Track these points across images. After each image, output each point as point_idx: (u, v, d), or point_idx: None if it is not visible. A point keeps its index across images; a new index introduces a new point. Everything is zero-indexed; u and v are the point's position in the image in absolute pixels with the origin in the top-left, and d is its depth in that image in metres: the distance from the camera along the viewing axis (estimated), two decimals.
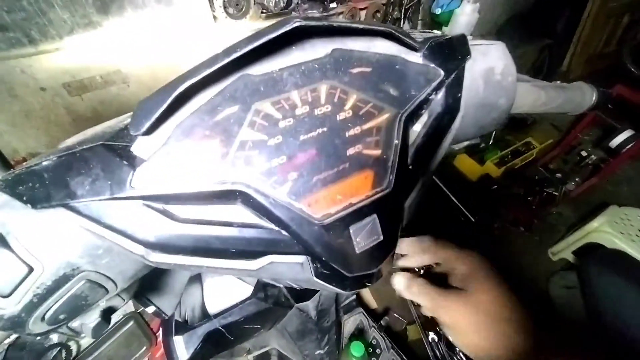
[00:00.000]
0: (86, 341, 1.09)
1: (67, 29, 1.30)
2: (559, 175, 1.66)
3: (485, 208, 1.60)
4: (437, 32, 0.38)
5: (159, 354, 1.07)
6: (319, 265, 0.23)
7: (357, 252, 0.24)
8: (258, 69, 0.22)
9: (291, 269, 0.23)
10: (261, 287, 0.52)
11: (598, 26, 2.01)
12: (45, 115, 1.34)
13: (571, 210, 1.62)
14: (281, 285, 0.54)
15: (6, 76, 1.34)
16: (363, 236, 0.24)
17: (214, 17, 1.40)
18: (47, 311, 0.21)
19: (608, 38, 2.15)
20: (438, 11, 1.52)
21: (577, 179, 1.64)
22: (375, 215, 0.24)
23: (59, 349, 1.03)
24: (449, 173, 1.71)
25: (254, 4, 1.43)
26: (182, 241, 0.20)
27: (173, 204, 0.20)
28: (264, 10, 1.48)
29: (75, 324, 0.24)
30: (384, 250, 0.25)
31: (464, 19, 0.35)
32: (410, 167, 0.26)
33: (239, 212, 0.22)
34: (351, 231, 0.23)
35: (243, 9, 1.42)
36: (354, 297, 0.95)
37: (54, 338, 1.05)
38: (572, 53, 2.14)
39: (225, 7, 1.39)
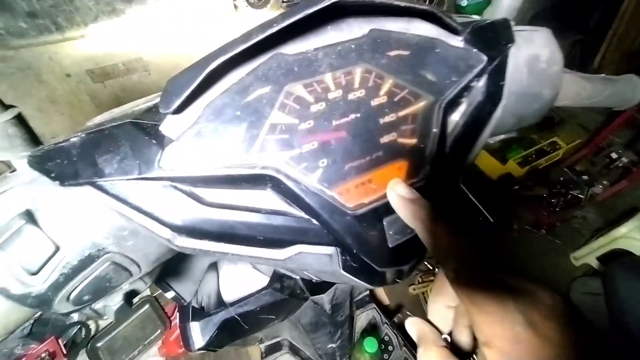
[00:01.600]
0: (104, 321, 1.13)
1: (92, 16, 1.31)
2: (585, 177, 1.59)
3: (505, 208, 1.55)
4: (475, 17, 0.35)
5: (172, 337, 1.09)
6: (348, 258, 0.22)
7: (390, 246, 0.22)
8: (292, 48, 0.21)
9: (319, 260, 0.22)
10: (277, 278, 0.52)
11: (635, 21, 1.89)
12: (70, 101, 1.37)
13: (597, 214, 1.54)
14: (297, 277, 0.53)
15: (34, 62, 1.37)
16: (397, 229, 0.22)
17: (235, 6, 1.39)
18: (72, 291, 0.21)
19: None
20: (464, 3, 1.46)
21: (604, 182, 1.56)
22: None
23: (79, 327, 1.07)
24: (468, 170, 1.66)
25: None
26: (208, 226, 0.20)
27: (201, 186, 0.20)
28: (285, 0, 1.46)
29: (98, 305, 0.24)
30: (418, 246, 0.24)
31: (506, 2, 0.33)
32: (448, 158, 0.25)
33: (267, 198, 0.21)
34: (385, 223, 0.22)
35: None
36: (367, 292, 0.94)
37: (75, 317, 1.09)
38: (605, 49, 2.02)
39: None
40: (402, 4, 0.22)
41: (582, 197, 1.54)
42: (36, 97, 1.39)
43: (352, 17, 0.23)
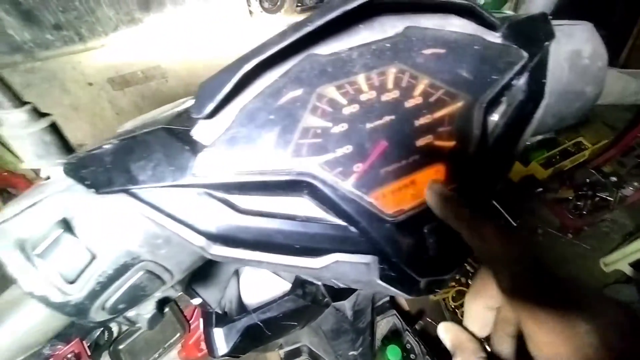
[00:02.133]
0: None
1: (112, 25, 1.36)
2: (614, 178, 1.51)
3: (528, 212, 1.49)
4: (509, 12, 0.34)
5: (192, 340, 1.10)
6: (386, 267, 0.21)
7: (431, 254, 0.21)
8: (325, 49, 0.20)
9: (355, 269, 0.21)
10: (299, 284, 0.51)
11: None
12: (92, 108, 1.41)
13: (628, 217, 1.47)
14: (319, 283, 0.52)
15: (59, 72, 1.43)
16: (438, 237, 0.21)
17: (250, 12, 1.41)
18: (107, 300, 0.20)
19: None
20: (482, 0, 1.43)
21: (635, 184, 1.49)
22: None
23: (102, 329, 1.09)
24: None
25: None
26: (243, 234, 0.19)
27: (235, 193, 0.19)
28: (299, 4, 1.47)
29: (131, 314, 0.24)
30: (460, 254, 0.23)
31: None
32: (490, 161, 0.23)
33: (303, 205, 0.20)
34: (425, 231, 0.21)
35: (278, 3, 1.41)
36: (387, 298, 0.92)
37: None
38: (630, 46, 1.93)
39: (261, 1, 1.39)
40: None
41: (611, 199, 1.47)
42: (61, 105, 1.44)
43: (384, 15, 0.22)
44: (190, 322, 1.14)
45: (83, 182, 0.19)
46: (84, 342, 1.02)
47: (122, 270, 0.20)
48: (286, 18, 1.47)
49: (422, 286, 0.22)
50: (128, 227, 0.20)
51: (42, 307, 0.20)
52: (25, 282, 0.19)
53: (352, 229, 0.20)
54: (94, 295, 0.20)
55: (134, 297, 0.21)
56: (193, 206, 0.19)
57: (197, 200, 0.19)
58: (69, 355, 0.98)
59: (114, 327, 1.11)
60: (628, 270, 1.24)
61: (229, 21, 1.41)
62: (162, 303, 0.25)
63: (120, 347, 1.07)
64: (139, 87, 1.50)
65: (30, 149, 0.20)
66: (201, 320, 0.46)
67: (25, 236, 0.19)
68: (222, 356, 0.44)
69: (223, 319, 0.45)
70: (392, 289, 0.22)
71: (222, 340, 0.44)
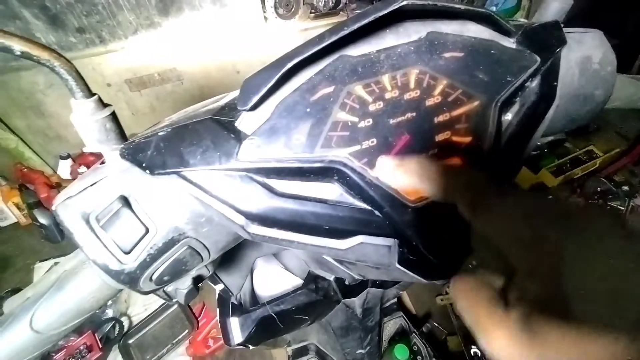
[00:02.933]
0: (136, 319, 1.17)
1: (132, 29, 1.41)
2: (625, 187, 1.50)
3: None
4: (523, 20, 0.36)
5: (200, 337, 1.12)
6: (405, 250, 0.23)
7: (448, 239, 0.23)
8: (355, 50, 0.22)
9: (377, 251, 0.23)
10: (312, 279, 0.52)
11: None
12: None
13: None
14: (331, 279, 0.54)
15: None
16: (454, 224, 0.23)
17: (265, 18, 1.45)
18: (155, 271, 0.22)
19: None
20: (492, 9, 1.45)
21: None
22: None
23: (113, 323, 1.11)
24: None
25: (303, 4, 1.45)
26: (279, 214, 0.21)
27: (273, 178, 0.21)
28: (313, 11, 1.51)
29: (170, 288, 0.26)
30: None
31: (555, 5, 0.32)
32: (503, 157, 0.25)
33: (334, 190, 0.22)
34: (444, 217, 0.22)
35: (292, 9, 1.45)
36: (395, 299, 0.93)
37: (110, 312, 1.14)
38: None
39: (275, 8, 1.43)
40: (462, 7, 0.22)
41: (623, 209, 1.45)
42: None
43: (409, 22, 0.24)
44: (198, 319, 1.16)
45: (139, 164, 0.21)
46: (96, 334, 1.05)
47: (169, 244, 0.22)
48: (300, 24, 1.51)
49: (439, 270, 0.24)
50: (177, 205, 0.22)
51: (98, 276, 0.22)
52: (90, 250, 0.21)
53: (377, 213, 0.22)
54: (144, 265, 0.22)
55: (177, 270, 0.23)
56: (236, 188, 0.21)
57: (240, 183, 0.21)
58: (81, 347, 1.00)
59: (125, 321, 1.14)
60: None
61: (244, 27, 1.45)
62: (197, 280, 0.26)
63: (130, 341, 1.09)
64: (155, 89, 1.55)
65: (93, 134, 0.22)
66: (217, 310, 0.47)
67: (89, 210, 0.21)
68: (238, 345, 0.46)
69: (239, 309, 0.47)
70: (410, 273, 0.24)
71: (237, 330, 0.46)
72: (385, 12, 0.19)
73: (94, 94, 0.22)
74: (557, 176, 1.48)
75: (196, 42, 1.49)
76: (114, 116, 0.22)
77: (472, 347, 1.12)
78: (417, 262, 0.23)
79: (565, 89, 0.28)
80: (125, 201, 0.21)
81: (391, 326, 0.89)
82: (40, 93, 1.33)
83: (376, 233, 0.22)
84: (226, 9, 1.45)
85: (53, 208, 0.22)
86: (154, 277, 0.22)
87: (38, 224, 1.31)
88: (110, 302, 1.14)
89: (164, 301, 1.23)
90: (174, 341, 1.10)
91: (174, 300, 0.26)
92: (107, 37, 1.42)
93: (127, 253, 0.21)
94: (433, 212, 0.22)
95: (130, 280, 0.22)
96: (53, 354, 0.97)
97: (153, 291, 0.24)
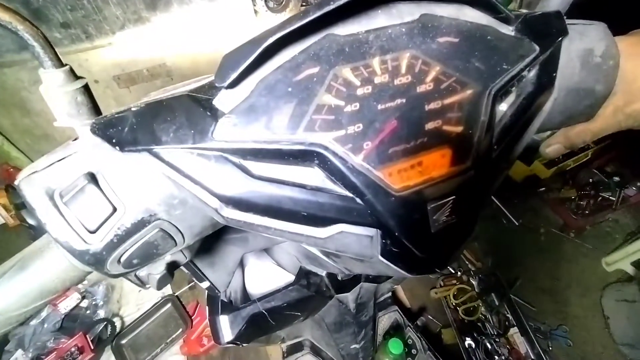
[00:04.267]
0: (128, 319, 1.16)
1: (119, 24, 1.37)
2: (616, 178, 1.51)
3: (530, 211, 1.50)
4: (523, 10, 0.35)
5: (194, 336, 1.11)
6: (388, 242, 0.22)
7: (432, 231, 0.22)
8: (344, 30, 0.21)
9: (359, 241, 0.22)
10: (304, 275, 0.51)
11: None
12: None
13: (630, 217, 1.47)
14: (323, 274, 0.53)
15: None
16: (440, 215, 0.22)
17: (255, 12, 1.42)
18: (123, 253, 0.21)
19: None
20: None
21: (638, 184, 1.49)
22: (454, 196, 0.22)
23: (105, 324, 1.10)
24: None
25: None
26: (255, 198, 0.20)
27: (250, 159, 0.20)
28: (304, 3, 1.48)
29: (142, 273, 0.25)
30: (461, 235, 0.23)
31: None
32: (495, 149, 0.24)
33: (314, 175, 0.21)
34: (428, 208, 0.22)
35: (283, 3, 1.42)
36: (390, 294, 0.92)
37: (101, 313, 1.13)
38: None
39: (266, 1, 1.40)
40: None
41: (614, 199, 1.47)
42: None
43: (402, 2, 0.22)
44: (192, 317, 1.15)
45: (109, 140, 0.19)
46: (87, 336, 1.04)
47: (139, 225, 0.21)
48: None
49: (422, 264, 0.23)
50: (148, 185, 0.21)
51: (63, 256, 0.21)
52: (52, 227, 0.20)
53: (358, 200, 0.21)
54: (111, 246, 0.20)
55: (148, 254, 0.22)
56: (210, 169, 0.19)
57: (214, 164, 0.19)
58: (72, 349, 0.99)
59: (117, 322, 1.12)
60: (630, 269, 1.24)
61: (234, 20, 1.42)
62: (172, 267, 0.26)
63: (123, 341, 1.08)
64: (144, 85, 1.51)
65: (64, 107, 0.21)
66: (207, 308, 0.46)
67: (54, 186, 0.20)
68: (228, 343, 0.45)
69: (228, 306, 0.46)
70: (393, 266, 0.23)
71: (227, 327, 0.45)
72: None
73: (65, 65, 0.21)
74: (549, 168, 1.49)
75: (185, 37, 1.47)
76: (86, 89, 0.21)
77: (466, 339, 1.13)
78: (400, 254, 0.22)
79: (565, 81, 0.27)
80: (92, 178, 0.20)
81: (386, 320, 0.89)
82: (25, 90, 1.30)
83: (358, 222, 0.21)
84: (216, 3, 1.42)
85: (16, 182, 0.21)
86: (122, 260, 0.21)
87: (27, 224, 1.28)
88: (101, 302, 1.13)
89: (157, 300, 1.21)
90: (168, 340, 1.10)
91: (147, 286, 0.25)
92: (93, 32, 1.39)
93: (92, 232, 0.20)
94: (417, 203, 0.21)
95: (96, 261, 0.21)
96: (43, 356, 0.96)
97: (122, 274, 0.23)
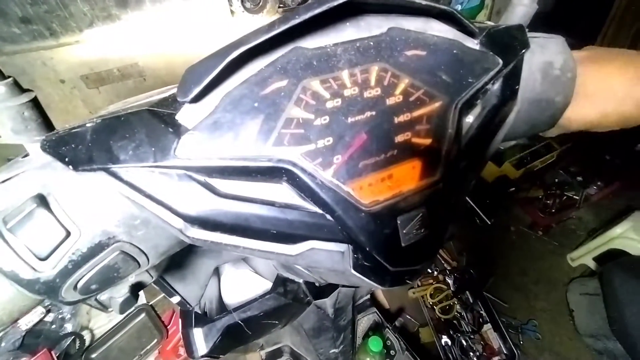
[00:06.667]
0: (99, 331, 1.10)
1: (87, 21, 1.30)
2: (580, 178, 1.61)
3: (501, 210, 1.56)
4: (490, 23, 0.36)
5: (170, 346, 1.07)
6: (359, 256, 0.22)
7: (403, 245, 0.22)
8: (311, 43, 0.20)
9: (331, 257, 0.22)
10: (280, 282, 0.51)
11: (625, 24, 1.94)
12: (64, 107, 1.35)
13: (592, 214, 1.56)
14: (301, 281, 0.53)
15: (28, 68, 1.35)
16: (410, 229, 0.22)
17: (231, 12, 1.40)
18: (80, 279, 0.20)
19: (634, 38, 2.07)
20: (458, 7, 1.49)
21: (599, 183, 1.59)
22: (424, 209, 0.23)
23: (72, 338, 1.04)
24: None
25: None
26: (222, 217, 0.19)
27: (216, 177, 0.19)
28: (281, 5, 1.47)
29: (104, 297, 0.23)
30: (431, 247, 0.24)
31: (521, 9, 0.33)
32: (462, 160, 0.24)
33: (282, 192, 0.20)
34: (398, 222, 0.22)
35: (260, 3, 1.41)
36: (368, 296, 0.93)
37: (68, 327, 1.06)
38: None
39: (242, 2, 1.38)
40: (423, 3, 0.22)
41: (577, 198, 1.56)
42: None
43: (370, 15, 0.23)
44: (168, 327, 1.11)
45: (62, 159, 0.18)
46: (53, 352, 0.97)
47: (96, 249, 0.19)
48: (268, 19, 1.47)
49: (394, 277, 0.23)
50: (105, 206, 0.19)
51: (9, 284, 0.19)
52: None
53: (328, 217, 0.21)
54: (66, 273, 0.19)
55: (108, 278, 0.21)
56: (173, 188, 0.19)
57: (177, 182, 0.19)
58: None
59: (86, 335, 1.06)
60: (592, 264, 1.32)
61: (210, 20, 1.39)
62: (136, 288, 0.24)
63: (93, 355, 1.03)
64: (115, 86, 1.44)
65: (8, 123, 0.19)
66: (180, 321, 0.45)
67: None
68: (202, 357, 0.43)
69: (203, 319, 0.45)
70: (365, 279, 0.23)
71: (201, 341, 0.43)
72: (336, 3, 0.18)
73: (8, 77, 0.19)
74: (518, 169, 1.57)
75: (159, 36, 1.41)
76: (35, 103, 0.19)
77: (443, 337, 1.16)
78: (372, 268, 0.22)
79: (527, 93, 0.28)
80: (42, 200, 0.18)
81: (365, 322, 0.90)
82: None
83: (328, 238, 0.21)
84: (190, 2, 1.38)
85: None
86: (79, 286, 0.20)
87: None
88: (69, 315, 1.07)
89: (130, 310, 1.16)
90: (142, 352, 1.05)
91: (109, 310, 0.24)
92: (58, 29, 1.31)
93: (43, 260, 0.18)
94: (387, 217, 0.21)
95: (48, 290, 0.19)
96: None
97: (80, 301, 0.21)
